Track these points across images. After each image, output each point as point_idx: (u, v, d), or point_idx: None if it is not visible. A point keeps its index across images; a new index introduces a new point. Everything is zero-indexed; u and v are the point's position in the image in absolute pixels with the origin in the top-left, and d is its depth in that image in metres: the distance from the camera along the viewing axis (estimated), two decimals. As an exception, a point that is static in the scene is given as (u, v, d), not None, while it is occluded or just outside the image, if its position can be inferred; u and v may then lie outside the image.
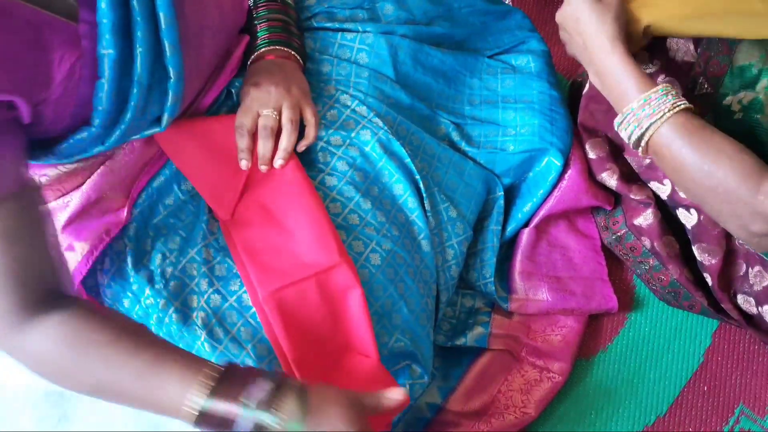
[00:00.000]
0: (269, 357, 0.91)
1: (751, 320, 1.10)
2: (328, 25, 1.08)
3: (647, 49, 1.05)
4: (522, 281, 1.15)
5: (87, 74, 0.76)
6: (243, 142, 0.94)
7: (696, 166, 0.82)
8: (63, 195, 0.91)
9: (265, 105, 0.94)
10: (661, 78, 1.03)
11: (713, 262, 1.05)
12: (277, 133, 0.95)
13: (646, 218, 1.11)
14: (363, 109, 1.02)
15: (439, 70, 1.13)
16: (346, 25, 1.08)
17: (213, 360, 0.93)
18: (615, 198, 1.19)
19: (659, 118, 0.84)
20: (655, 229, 1.10)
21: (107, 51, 0.75)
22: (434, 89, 1.13)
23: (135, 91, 0.79)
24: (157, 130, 0.87)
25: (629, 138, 0.88)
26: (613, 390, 1.16)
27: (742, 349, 1.18)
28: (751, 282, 1.04)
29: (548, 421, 1.13)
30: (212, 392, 0.70)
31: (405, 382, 0.97)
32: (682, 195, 1.05)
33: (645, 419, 1.14)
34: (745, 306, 1.07)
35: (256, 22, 1.00)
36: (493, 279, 1.13)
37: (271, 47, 0.99)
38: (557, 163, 1.13)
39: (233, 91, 0.99)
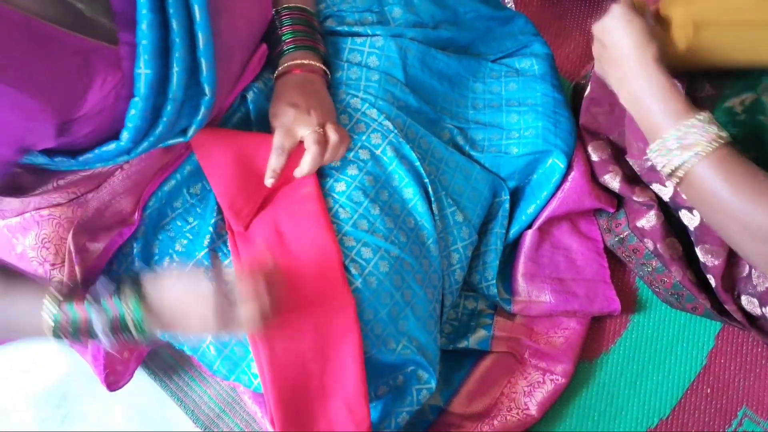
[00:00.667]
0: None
1: (754, 322, 1.09)
2: (339, 29, 1.08)
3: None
4: (525, 283, 1.15)
5: (124, 93, 0.77)
6: (279, 162, 0.91)
7: (733, 205, 0.77)
8: (77, 197, 0.91)
9: (307, 125, 0.92)
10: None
11: (716, 263, 1.04)
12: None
13: (648, 220, 1.11)
14: (373, 113, 1.02)
15: (445, 73, 1.13)
16: (356, 29, 1.08)
17: (218, 363, 0.94)
18: (618, 200, 1.19)
19: (699, 151, 0.78)
20: (658, 231, 1.10)
21: (145, 71, 0.75)
22: (440, 93, 1.13)
23: (169, 108, 0.79)
24: (181, 140, 0.87)
25: (662, 168, 0.83)
26: (615, 392, 1.16)
27: (746, 352, 1.18)
28: (754, 283, 1.03)
29: (551, 423, 1.14)
30: (60, 303, 0.76)
31: (412, 388, 0.97)
32: (684, 197, 1.05)
33: (648, 421, 1.14)
34: (749, 307, 1.06)
35: (280, 28, 0.99)
36: (495, 281, 1.13)
37: (298, 61, 0.96)
38: (561, 165, 1.13)
39: (247, 96, 0.98)
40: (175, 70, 0.77)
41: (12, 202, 0.89)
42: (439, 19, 1.15)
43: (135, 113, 0.78)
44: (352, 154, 0.99)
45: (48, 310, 0.76)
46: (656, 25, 0.89)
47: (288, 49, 0.97)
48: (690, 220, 1.06)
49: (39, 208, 0.91)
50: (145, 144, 0.82)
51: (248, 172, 0.93)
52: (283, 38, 0.97)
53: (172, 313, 0.77)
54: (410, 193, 1.00)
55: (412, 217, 1.00)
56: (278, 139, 0.91)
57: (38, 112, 0.71)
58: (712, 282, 1.07)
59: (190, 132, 0.86)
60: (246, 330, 0.81)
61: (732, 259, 1.05)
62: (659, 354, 1.18)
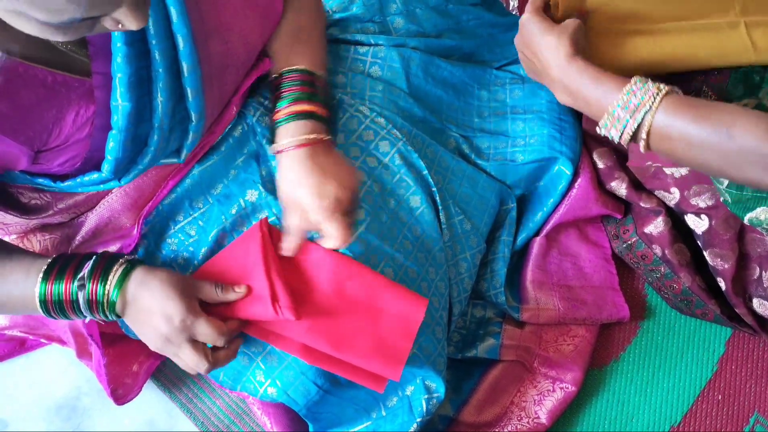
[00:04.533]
0: (279, 368, 0.91)
1: (765, 325, 1.09)
2: (342, 36, 1.08)
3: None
4: (534, 291, 1.15)
5: (100, 123, 0.77)
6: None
7: (706, 139, 0.79)
8: (77, 216, 0.92)
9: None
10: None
11: (726, 266, 1.04)
12: None
13: (656, 226, 1.11)
14: (381, 121, 1.02)
15: (449, 82, 1.13)
16: (358, 37, 1.08)
17: (222, 374, 0.94)
18: (625, 206, 1.19)
19: (651, 105, 0.81)
20: (666, 237, 1.10)
21: (122, 103, 0.75)
22: (444, 102, 1.13)
23: (156, 137, 0.79)
24: (175, 160, 0.87)
25: (621, 136, 0.84)
26: (626, 400, 1.15)
27: (757, 357, 1.17)
28: (765, 285, 1.03)
29: (561, 431, 1.13)
30: (44, 278, 0.79)
31: (422, 398, 0.97)
32: (692, 201, 1.04)
33: (659, 429, 1.13)
34: (760, 310, 1.06)
35: (278, 91, 0.92)
36: (503, 289, 1.12)
37: (302, 137, 0.89)
38: (567, 172, 1.13)
39: (247, 113, 0.97)
40: (159, 99, 0.77)
41: (14, 219, 0.89)
42: (442, 28, 1.15)
43: (114, 145, 0.77)
44: (359, 161, 0.99)
45: (35, 289, 0.79)
46: (578, 26, 0.92)
47: (284, 120, 0.90)
48: (697, 224, 1.05)
49: (41, 229, 0.91)
50: (134, 172, 0.81)
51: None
52: (278, 106, 0.90)
53: (136, 312, 0.81)
54: (417, 201, 1.00)
55: (419, 226, 1.00)
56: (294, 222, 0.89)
57: (5, 142, 0.71)
58: (723, 285, 1.06)
59: (183, 154, 0.86)
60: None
61: (742, 262, 1.05)
62: (669, 361, 1.17)
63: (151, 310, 0.79)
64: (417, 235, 0.99)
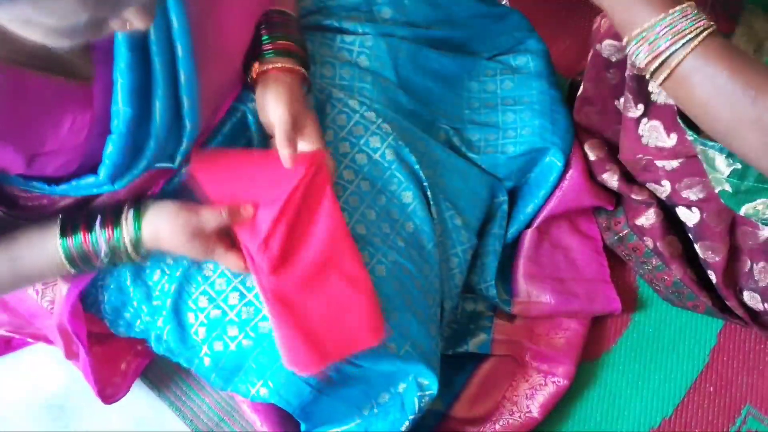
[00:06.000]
0: (271, 368, 0.90)
1: (756, 318, 1.09)
2: (327, 23, 1.06)
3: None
4: (525, 283, 1.14)
5: (98, 129, 0.76)
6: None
7: (732, 96, 0.71)
8: None
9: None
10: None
11: (717, 259, 1.04)
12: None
13: (648, 218, 1.10)
14: (371, 115, 1.00)
15: (439, 73, 1.12)
16: (344, 24, 1.06)
17: (214, 375, 0.93)
18: (616, 198, 1.18)
19: (697, 35, 0.71)
20: (658, 229, 1.09)
21: (123, 109, 0.75)
22: (434, 93, 1.11)
23: (152, 144, 0.79)
24: (169, 165, 0.87)
25: (646, 58, 0.74)
26: (617, 392, 1.15)
27: (748, 349, 1.17)
28: (756, 278, 1.03)
29: (553, 425, 1.13)
30: (61, 234, 0.82)
31: (414, 396, 0.96)
32: (683, 194, 1.04)
33: (650, 421, 1.13)
34: (751, 303, 1.06)
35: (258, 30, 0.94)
36: (494, 282, 1.12)
37: (279, 64, 0.92)
38: (558, 163, 1.12)
39: (244, 108, 0.96)
40: (158, 106, 0.76)
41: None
42: (432, 19, 1.13)
43: (113, 150, 0.77)
44: (349, 157, 0.98)
45: (56, 248, 0.81)
46: None
47: (267, 53, 0.92)
48: (688, 216, 1.05)
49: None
50: (129, 177, 0.81)
51: (254, 192, 0.90)
52: (263, 41, 0.92)
53: (161, 242, 0.84)
54: (409, 197, 0.99)
55: (411, 222, 0.99)
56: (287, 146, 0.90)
57: (1, 147, 0.71)
58: (713, 278, 1.06)
59: (177, 159, 0.86)
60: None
61: (733, 255, 1.04)
62: (661, 353, 1.17)
63: (172, 235, 0.83)
64: (410, 231, 0.98)
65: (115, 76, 0.74)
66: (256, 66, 0.91)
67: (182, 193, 0.92)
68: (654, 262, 1.13)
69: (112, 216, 0.83)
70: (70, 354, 1.06)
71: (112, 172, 0.79)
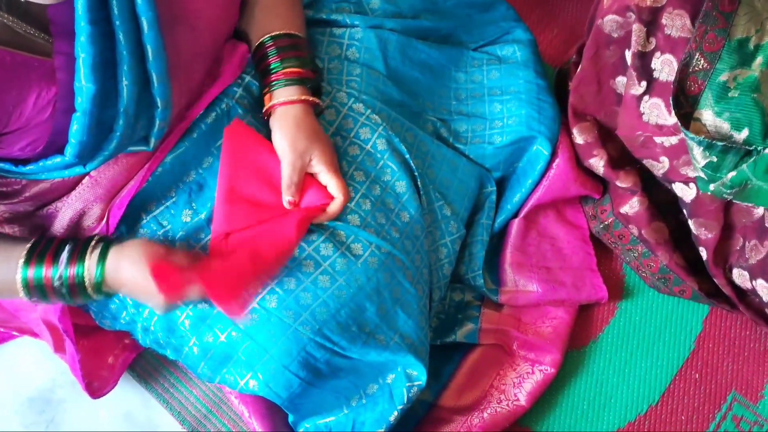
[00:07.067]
0: (260, 361, 0.90)
1: (743, 297, 1.09)
2: (317, 16, 1.06)
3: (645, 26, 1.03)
4: (512, 272, 1.14)
5: (63, 106, 0.75)
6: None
7: None
8: (45, 205, 0.89)
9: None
10: (657, 55, 1.02)
11: (710, 236, 1.04)
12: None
13: (632, 206, 1.10)
14: (360, 107, 1.00)
15: (427, 64, 1.12)
16: (334, 17, 1.06)
17: (202, 365, 0.92)
18: (603, 187, 1.18)
19: None
20: (643, 217, 1.10)
21: (86, 85, 0.73)
22: (422, 84, 1.11)
23: (121, 122, 0.77)
24: (144, 148, 0.85)
25: None
26: (604, 380, 1.16)
27: (734, 336, 1.18)
28: (747, 256, 1.03)
29: (540, 413, 1.13)
30: (25, 263, 0.81)
31: (403, 386, 0.96)
32: (681, 171, 1.03)
33: (637, 408, 1.14)
34: (739, 281, 1.06)
35: (267, 59, 0.93)
36: (482, 272, 1.12)
37: (292, 97, 0.92)
38: (545, 152, 1.12)
39: (228, 101, 0.95)
40: (125, 83, 0.75)
41: None
42: (419, 9, 1.13)
43: (77, 128, 0.75)
44: (341, 150, 0.98)
45: (17, 275, 0.80)
46: None
47: (277, 83, 0.92)
48: (685, 192, 1.05)
49: (8, 221, 0.89)
50: (100, 158, 0.80)
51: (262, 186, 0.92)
52: (272, 69, 0.92)
53: (123, 284, 0.83)
54: (403, 186, 0.99)
55: (406, 211, 0.99)
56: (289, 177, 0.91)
57: None
58: (704, 255, 1.06)
59: (152, 142, 0.84)
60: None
61: (725, 232, 1.05)
62: (647, 340, 1.17)
63: (135, 277, 0.81)
64: (405, 221, 0.98)
65: (77, 51, 0.72)
66: (266, 98, 0.92)
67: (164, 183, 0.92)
68: (640, 249, 1.13)
69: (78, 253, 0.82)
70: (59, 347, 1.05)
71: (78, 151, 0.77)
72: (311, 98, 0.93)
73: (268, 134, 0.94)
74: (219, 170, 0.91)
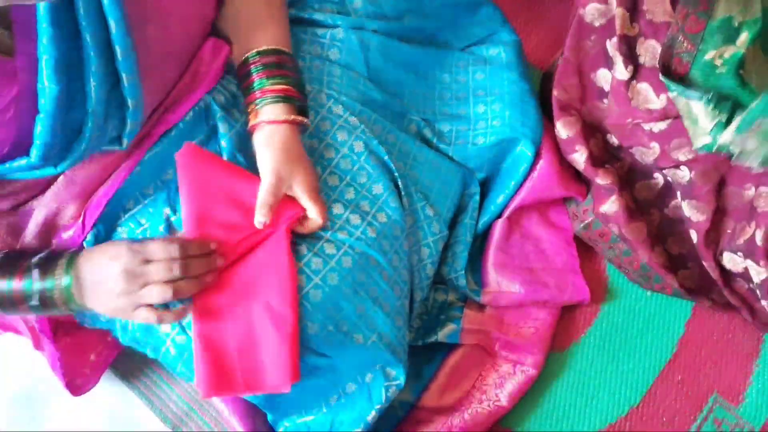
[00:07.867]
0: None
1: (730, 281, 1.10)
2: (300, 15, 1.05)
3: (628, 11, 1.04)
4: (495, 273, 1.14)
5: (26, 107, 0.73)
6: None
7: None
8: (20, 205, 0.89)
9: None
10: (641, 41, 1.02)
11: (701, 219, 1.05)
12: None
13: (611, 205, 1.10)
14: (339, 109, 1.00)
15: (410, 65, 1.12)
16: (316, 16, 1.05)
17: (180, 365, 0.92)
18: (586, 188, 1.18)
19: None
20: (622, 216, 1.10)
21: (48, 86, 0.72)
22: (405, 85, 1.11)
23: (90, 123, 0.76)
24: (117, 148, 0.84)
25: None
26: (586, 381, 1.16)
27: (716, 338, 1.18)
28: (736, 238, 1.04)
29: (521, 414, 1.14)
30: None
31: (381, 386, 0.96)
32: (672, 155, 1.04)
33: (618, 410, 1.14)
34: (730, 264, 1.07)
35: (249, 77, 0.91)
36: (464, 272, 1.12)
37: (275, 117, 0.90)
38: (528, 153, 1.12)
39: (210, 103, 0.94)
40: (92, 84, 0.74)
41: None
42: (403, 9, 1.12)
43: (42, 130, 0.74)
44: (316, 154, 0.97)
45: None
46: None
47: (261, 100, 0.90)
48: (678, 175, 1.05)
49: None
50: (70, 159, 0.79)
51: (228, 207, 0.90)
52: (255, 87, 0.90)
53: (90, 288, 0.81)
54: (380, 188, 0.99)
55: (384, 213, 0.98)
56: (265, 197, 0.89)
57: None
58: (694, 238, 1.07)
59: (125, 142, 0.83)
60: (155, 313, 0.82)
61: (717, 216, 1.06)
62: (629, 342, 1.18)
63: (102, 278, 0.80)
64: (383, 222, 0.97)
65: (40, 52, 0.71)
66: (251, 116, 0.90)
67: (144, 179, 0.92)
68: (621, 247, 1.14)
69: (48, 266, 0.82)
70: (38, 344, 1.05)
71: (43, 152, 0.76)
72: (299, 118, 0.91)
73: (245, 135, 0.94)
74: (180, 199, 0.89)
